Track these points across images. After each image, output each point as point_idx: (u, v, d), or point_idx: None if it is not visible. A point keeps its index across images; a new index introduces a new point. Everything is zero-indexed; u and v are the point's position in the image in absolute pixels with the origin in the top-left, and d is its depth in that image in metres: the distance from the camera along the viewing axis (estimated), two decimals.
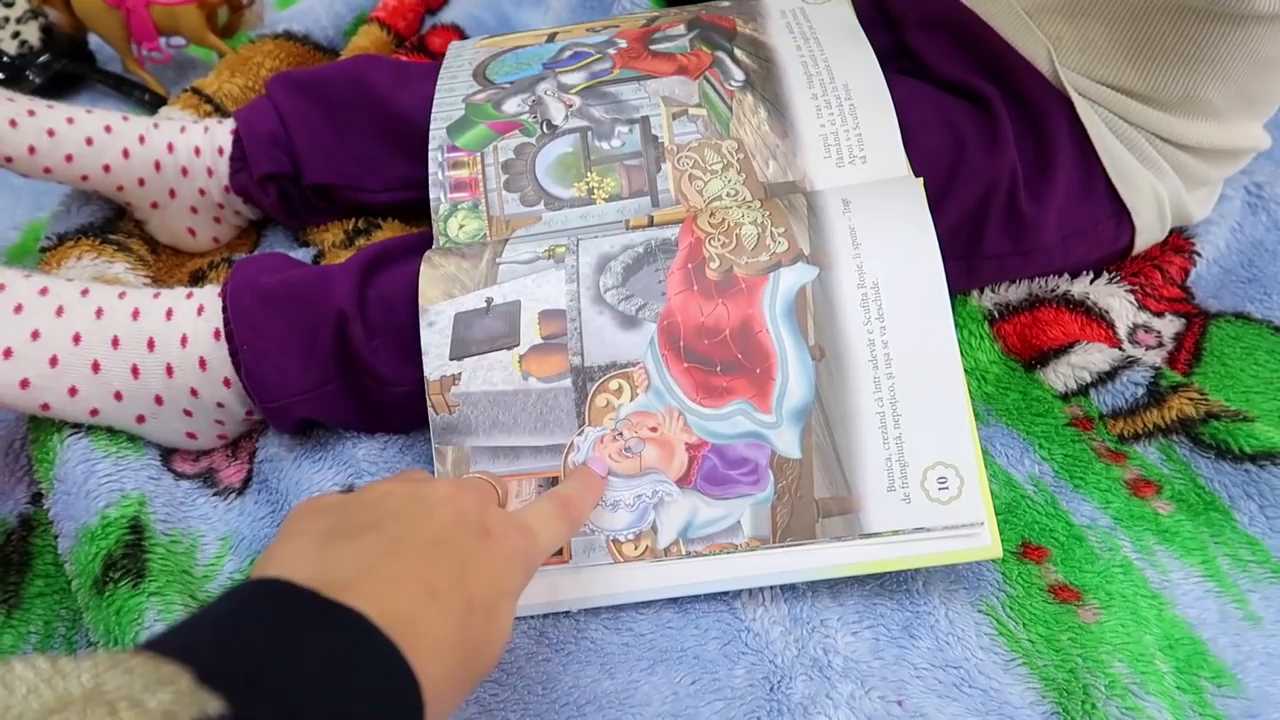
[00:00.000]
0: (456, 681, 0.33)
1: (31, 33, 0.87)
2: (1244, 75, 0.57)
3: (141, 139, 0.64)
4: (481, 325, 0.53)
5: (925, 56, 0.63)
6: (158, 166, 0.65)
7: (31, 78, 0.86)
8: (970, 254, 0.60)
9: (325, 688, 0.27)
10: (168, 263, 0.71)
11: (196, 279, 0.70)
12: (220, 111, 0.77)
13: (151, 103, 0.86)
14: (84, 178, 0.63)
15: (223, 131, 0.67)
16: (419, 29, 0.92)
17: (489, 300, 0.54)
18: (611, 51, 0.64)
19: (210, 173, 0.67)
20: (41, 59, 0.87)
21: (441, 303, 0.53)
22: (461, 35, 0.90)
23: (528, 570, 0.40)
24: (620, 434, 0.51)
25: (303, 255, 0.70)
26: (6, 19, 0.86)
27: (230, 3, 0.86)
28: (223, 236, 0.72)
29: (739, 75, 0.61)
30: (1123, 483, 0.56)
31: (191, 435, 0.57)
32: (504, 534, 0.39)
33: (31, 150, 0.61)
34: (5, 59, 0.85)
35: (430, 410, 0.52)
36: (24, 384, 0.51)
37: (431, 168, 0.60)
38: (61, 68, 0.87)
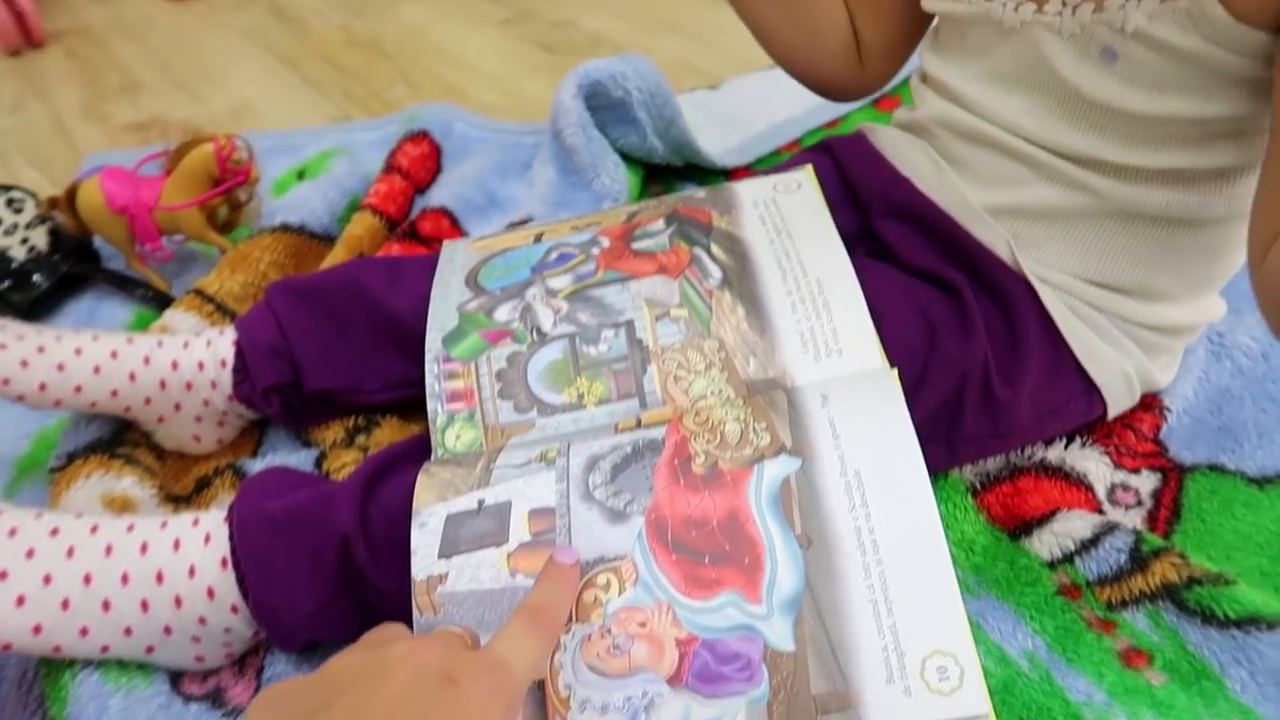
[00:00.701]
0: None
1: (39, 237, 0.91)
2: (1196, 265, 0.60)
3: (146, 360, 0.67)
4: (472, 525, 0.53)
5: (893, 244, 0.66)
6: (163, 385, 0.67)
7: (39, 281, 0.89)
8: (950, 437, 0.62)
9: None
10: (173, 468, 0.73)
11: (202, 486, 0.72)
12: (222, 310, 0.80)
13: (155, 299, 0.90)
14: (93, 404, 0.66)
15: (224, 343, 0.69)
16: (409, 212, 0.96)
17: (480, 501, 0.54)
18: (595, 251, 0.67)
19: (214, 385, 0.69)
20: (50, 260, 0.90)
21: (434, 505, 0.54)
22: (450, 218, 0.94)
23: (509, 706, 0.38)
24: (609, 630, 0.50)
25: (305, 456, 0.72)
26: (15, 225, 0.90)
27: (229, 201, 0.90)
28: (226, 438, 0.74)
29: (716, 273, 0.64)
30: (1115, 654, 0.57)
31: (200, 658, 0.57)
32: (472, 676, 0.37)
33: (42, 386, 0.63)
34: (14, 265, 0.88)
35: (415, 611, 0.51)
36: (36, 629, 0.52)
37: (428, 379, 0.62)
38: (68, 269, 0.91)
